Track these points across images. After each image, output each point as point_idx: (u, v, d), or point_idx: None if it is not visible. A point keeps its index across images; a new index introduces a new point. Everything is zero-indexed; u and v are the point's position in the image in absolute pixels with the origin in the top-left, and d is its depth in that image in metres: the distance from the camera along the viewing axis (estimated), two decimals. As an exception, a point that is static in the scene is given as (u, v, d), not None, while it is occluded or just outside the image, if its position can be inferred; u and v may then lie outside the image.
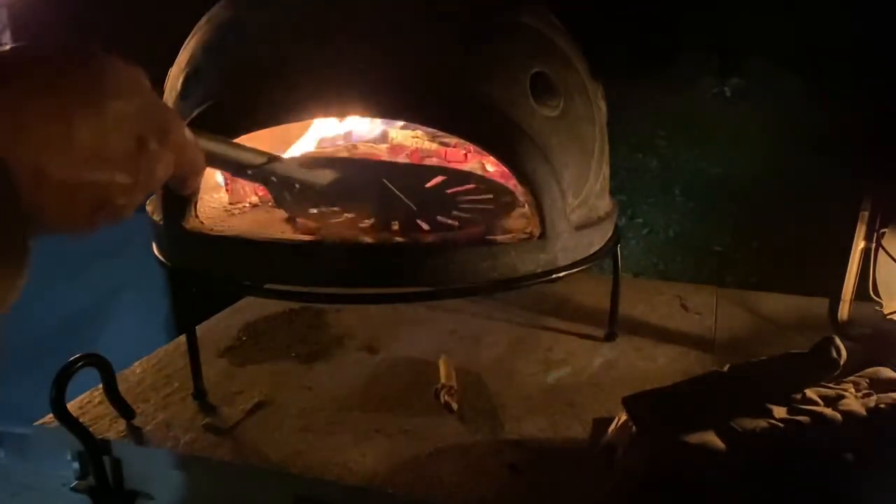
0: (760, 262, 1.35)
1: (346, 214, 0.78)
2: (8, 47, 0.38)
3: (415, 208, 0.77)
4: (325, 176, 0.71)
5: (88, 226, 0.40)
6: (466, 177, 0.87)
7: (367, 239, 0.76)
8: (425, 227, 0.77)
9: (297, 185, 0.68)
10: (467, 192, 0.83)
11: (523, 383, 0.96)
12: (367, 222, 0.78)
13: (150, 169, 0.41)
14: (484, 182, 0.87)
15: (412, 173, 0.84)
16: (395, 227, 0.78)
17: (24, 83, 0.35)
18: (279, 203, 0.76)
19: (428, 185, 0.79)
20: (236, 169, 0.63)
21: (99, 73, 0.38)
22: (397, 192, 0.77)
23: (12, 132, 0.34)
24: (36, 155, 0.35)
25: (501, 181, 0.94)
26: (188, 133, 0.45)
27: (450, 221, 0.78)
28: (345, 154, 1.04)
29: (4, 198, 0.32)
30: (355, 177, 0.76)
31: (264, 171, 0.62)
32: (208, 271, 0.83)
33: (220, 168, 0.62)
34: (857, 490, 0.64)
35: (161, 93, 0.89)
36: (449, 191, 0.81)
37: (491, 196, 0.83)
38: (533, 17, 0.85)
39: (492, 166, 0.97)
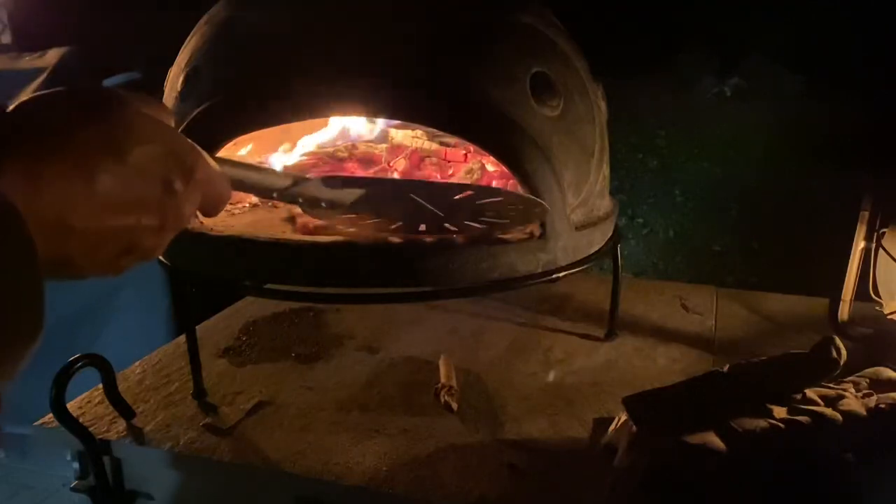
0: (760, 262, 1.35)
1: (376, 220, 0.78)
2: (27, 99, 0.37)
3: (442, 215, 0.77)
4: (351, 194, 0.71)
5: (118, 269, 0.40)
6: (495, 192, 0.86)
7: (395, 238, 0.75)
8: (454, 229, 0.76)
9: (324, 204, 0.68)
10: (495, 204, 0.82)
11: (523, 383, 0.96)
12: (395, 226, 0.77)
13: (178, 209, 0.41)
14: (512, 195, 0.86)
15: (439, 190, 0.83)
16: (423, 228, 0.77)
17: (43, 140, 0.35)
18: (312, 214, 0.76)
19: (456, 197, 0.79)
20: (261, 192, 0.62)
21: (119, 122, 0.38)
22: (425, 203, 0.76)
23: (33, 191, 0.34)
24: (61, 211, 0.35)
25: (499, 186, 0.94)
26: (213, 165, 0.45)
27: (477, 225, 0.77)
28: (344, 154, 1.04)
29: (24, 264, 0.31)
30: (381, 194, 0.76)
31: (290, 192, 0.62)
32: (208, 271, 0.83)
33: (246, 192, 0.62)
34: (858, 490, 0.64)
35: (161, 94, 0.89)
36: (477, 202, 0.80)
37: (521, 206, 0.82)
38: (533, 17, 0.85)
39: (492, 166, 0.97)
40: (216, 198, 0.46)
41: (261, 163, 1.00)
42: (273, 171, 0.65)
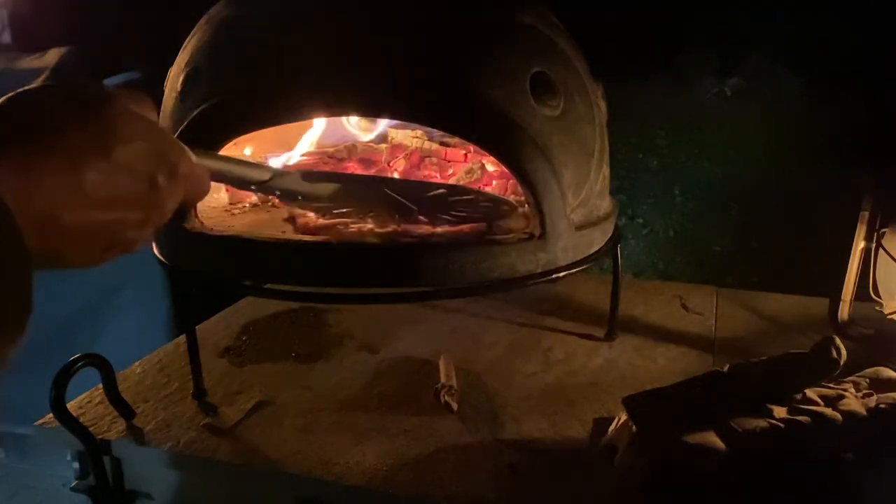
0: (760, 262, 1.35)
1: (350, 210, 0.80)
2: (15, 94, 0.38)
3: (415, 209, 0.79)
4: (327, 188, 0.73)
5: (101, 261, 0.41)
6: (467, 191, 0.88)
7: (372, 239, 0.76)
8: (425, 220, 0.78)
9: (300, 197, 0.70)
10: (467, 201, 0.84)
11: (523, 383, 0.96)
12: (370, 216, 0.79)
13: (161, 203, 0.42)
14: (483, 194, 0.88)
15: (413, 188, 0.86)
16: (397, 218, 0.78)
17: (33, 139, 0.36)
18: (290, 206, 0.77)
19: (429, 194, 0.81)
20: (241, 185, 0.64)
21: (107, 120, 0.39)
22: (399, 198, 0.78)
23: (23, 187, 0.35)
24: (49, 207, 0.36)
25: (499, 186, 0.94)
26: (194, 159, 0.46)
27: (449, 218, 0.79)
28: (344, 154, 1.05)
29: (14, 258, 0.32)
30: (357, 189, 0.78)
31: (268, 185, 0.64)
32: (208, 271, 0.83)
33: (226, 184, 0.64)
34: (858, 490, 0.64)
35: (161, 94, 0.89)
36: (449, 199, 0.82)
37: (489, 204, 0.84)
38: (533, 17, 0.85)
39: (492, 166, 0.97)
40: (197, 192, 0.48)
41: (261, 162, 1.01)
42: (252, 164, 0.66)
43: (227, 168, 0.57)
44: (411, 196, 0.80)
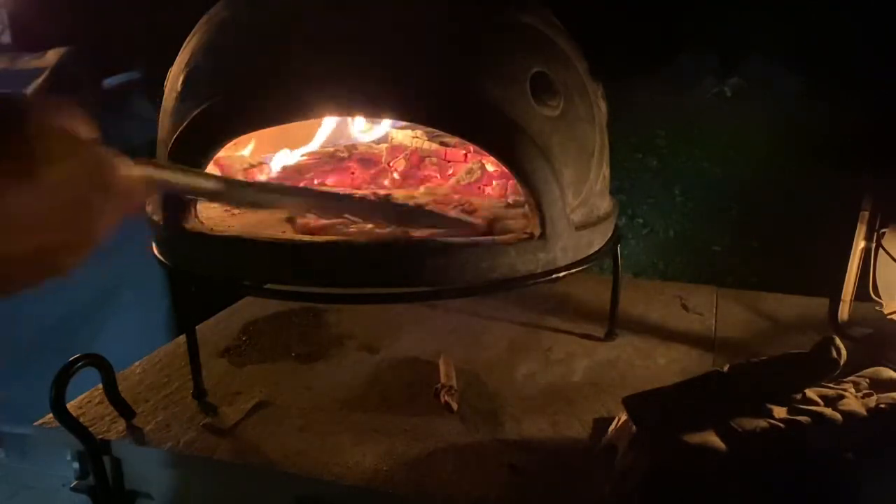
0: (760, 262, 1.35)
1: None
2: None
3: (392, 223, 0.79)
4: (289, 203, 0.71)
5: (30, 286, 0.38)
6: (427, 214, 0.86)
7: (368, 238, 0.76)
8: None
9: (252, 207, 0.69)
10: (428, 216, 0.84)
11: (523, 383, 0.96)
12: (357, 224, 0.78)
13: (94, 224, 0.39)
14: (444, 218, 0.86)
15: (380, 206, 0.85)
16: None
17: None
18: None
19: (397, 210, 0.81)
20: (191, 195, 0.63)
21: (28, 140, 0.35)
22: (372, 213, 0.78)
23: None
24: None
25: (499, 186, 0.94)
26: (133, 170, 0.43)
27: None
28: (344, 154, 1.05)
29: None
30: (322, 206, 0.76)
31: (222, 196, 0.61)
32: (208, 271, 0.83)
33: (175, 192, 0.62)
34: (858, 490, 0.64)
35: (161, 94, 0.89)
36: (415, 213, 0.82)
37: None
38: (533, 17, 0.85)
39: (492, 166, 0.97)
40: (140, 201, 0.45)
41: (260, 163, 1.01)
42: (202, 174, 0.64)
43: (173, 177, 0.54)
44: (379, 214, 0.79)
